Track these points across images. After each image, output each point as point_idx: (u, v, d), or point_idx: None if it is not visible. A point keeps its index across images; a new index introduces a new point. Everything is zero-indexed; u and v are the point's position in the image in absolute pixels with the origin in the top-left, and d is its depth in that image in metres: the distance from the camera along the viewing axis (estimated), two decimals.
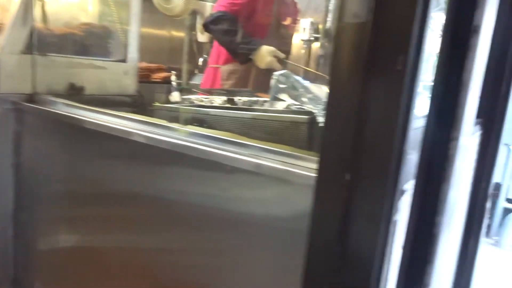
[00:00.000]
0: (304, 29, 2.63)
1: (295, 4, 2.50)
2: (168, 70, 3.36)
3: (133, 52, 1.73)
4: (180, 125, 1.11)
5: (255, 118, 1.17)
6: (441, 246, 0.66)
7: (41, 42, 1.49)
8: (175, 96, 3.28)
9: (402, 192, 0.70)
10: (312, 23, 2.62)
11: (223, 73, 2.34)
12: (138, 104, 1.78)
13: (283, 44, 2.39)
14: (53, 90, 1.53)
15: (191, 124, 1.28)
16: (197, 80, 3.14)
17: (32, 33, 1.45)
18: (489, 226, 3.81)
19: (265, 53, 2.14)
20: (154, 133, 1.11)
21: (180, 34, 3.59)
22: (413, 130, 0.69)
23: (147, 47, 3.76)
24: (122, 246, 1.24)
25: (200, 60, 3.17)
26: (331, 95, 0.73)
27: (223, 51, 2.31)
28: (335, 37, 0.73)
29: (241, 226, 0.95)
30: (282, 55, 2.13)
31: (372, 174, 0.72)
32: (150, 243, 1.16)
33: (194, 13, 3.28)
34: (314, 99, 0.92)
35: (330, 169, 0.76)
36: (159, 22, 3.67)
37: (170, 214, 1.12)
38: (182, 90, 3.35)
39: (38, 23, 1.48)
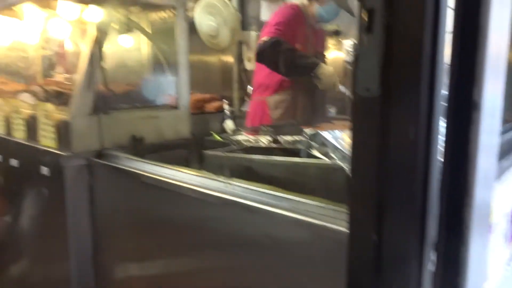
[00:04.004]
0: (348, 51, 2.66)
1: (322, 31, 2.56)
2: (220, 99, 3.54)
3: (183, 99, 1.88)
4: (225, 178, 1.22)
5: (298, 164, 1.26)
6: None
7: (104, 102, 1.69)
8: (228, 124, 3.45)
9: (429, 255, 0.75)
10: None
11: (270, 103, 2.44)
12: (193, 146, 1.93)
13: None
14: (117, 143, 1.72)
15: (238, 173, 1.39)
16: (248, 106, 3.28)
17: (96, 96, 1.65)
18: None
19: (330, 73, 2.14)
20: (201, 186, 1.23)
21: (229, 61, 3.74)
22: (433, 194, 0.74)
23: (198, 76, 3.98)
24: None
25: (249, 88, 3.31)
26: (353, 164, 0.80)
27: (271, 82, 2.40)
28: (351, 108, 0.80)
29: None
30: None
31: (397, 234, 0.77)
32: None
33: (240, 43, 3.44)
34: (344, 157, 0.99)
35: (358, 229, 0.82)
36: (208, 52, 3.86)
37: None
38: (235, 118, 3.52)
39: (101, 86, 1.68)
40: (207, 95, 3.51)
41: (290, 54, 2.15)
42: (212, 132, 3.35)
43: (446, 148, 0.69)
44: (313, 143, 1.06)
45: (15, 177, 1.98)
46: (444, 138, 0.72)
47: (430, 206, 0.74)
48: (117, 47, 1.89)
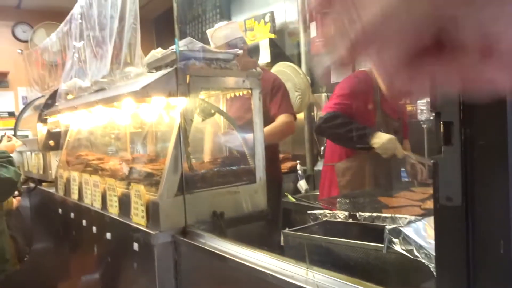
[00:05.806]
0: (422, 110, 2.62)
1: None
2: (293, 159, 3.60)
3: (260, 172, 1.96)
4: (307, 267, 1.24)
5: (378, 251, 1.24)
6: None
7: (188, 182, 1.82)
8: (302, 184, 3.46)
9: None
10: (429, 103, 2.60)
11: (338, 170, 2.44)
12: (269, 219, 1.98)
13: (396, 129, 2.43)
14: (200, 220, 1.83)
15: (316, 253, 1.40)
16: (320, 166, 3.30)
17: (181, 177, 1.79)
18: None
19: (387, 142, 2.18)
20: (282, 272, 1.26)
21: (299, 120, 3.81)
22: None
23: None
24: None
25: (322, 148, 3.34)
26: (439, 274, 0.78)
27: (337, 149, 2.43)
28: (434, 218, 0.80)
29: None
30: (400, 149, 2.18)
31: None
32: None
33: (311, 104, 3.52)
34: (429, 256, 0.97)
35: None
36: None
37: None
38: (308, 177, 3.53)
39: (185, 169, 1.81)
40: (280, 155, 3.59)
41: (343, 128, 2.28)
42: (286, 194, 3.39)
43: None
44: (394, 239, 1.05)
45: (108, 249, 2.15)
46: None
47: None
48: (197, 125, 2.04)
